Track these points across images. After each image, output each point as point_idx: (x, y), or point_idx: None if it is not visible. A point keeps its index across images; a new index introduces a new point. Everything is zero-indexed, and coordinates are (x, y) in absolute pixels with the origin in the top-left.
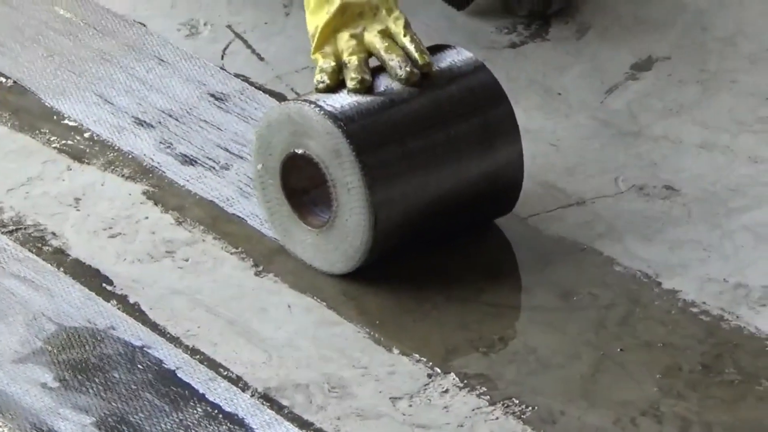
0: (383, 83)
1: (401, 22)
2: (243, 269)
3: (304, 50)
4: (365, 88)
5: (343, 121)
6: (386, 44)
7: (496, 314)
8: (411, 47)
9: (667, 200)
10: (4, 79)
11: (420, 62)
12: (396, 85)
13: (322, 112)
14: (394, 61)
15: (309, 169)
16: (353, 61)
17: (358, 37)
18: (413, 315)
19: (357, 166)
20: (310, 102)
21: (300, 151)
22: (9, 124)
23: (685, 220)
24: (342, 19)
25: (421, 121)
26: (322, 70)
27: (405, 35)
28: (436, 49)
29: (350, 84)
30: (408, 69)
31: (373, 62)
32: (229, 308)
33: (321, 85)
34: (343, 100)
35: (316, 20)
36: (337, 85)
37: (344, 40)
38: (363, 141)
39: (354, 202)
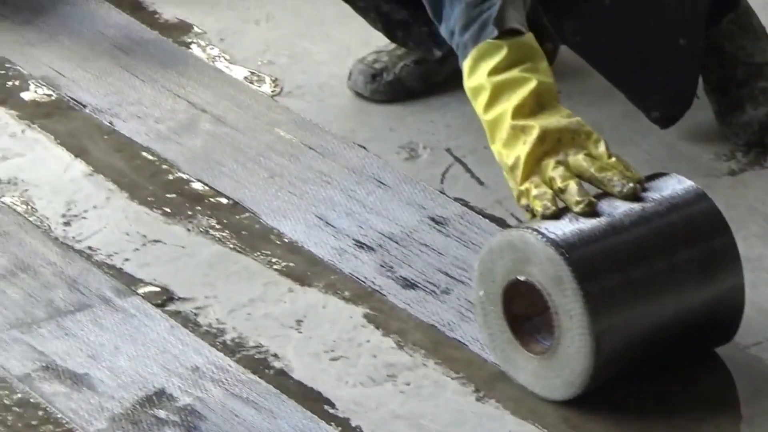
0: (604, 209)
1: (602, 144)
2: (464, 394)
3: None
4: (593, 210)
5: (566, 248)
6: (597, 165)
7: None
8: (620, 166)
9: None
10: (225, 200)
11: (633, 178)
12: (616, 212)
13: (544, 239)
14: (612, 180)
15: (531, 296)
16: (571, 185)
17: (565, 163)
18: None
19: (579, 294)
20: (533, 229)
21: (522, 278)
22: (231, 245)
23: None
24: (543, 147)
25: (643, 249)
26: (540, 198)
27: (610, 156)
28: (657, 177)
29: (577, 208)
30: (630, 185)
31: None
32: None
33: (548, 212)
34: (564, 227)
35: (514, 151)
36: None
37: (551, 168)
38: (585, 269)
39: (576, 329)
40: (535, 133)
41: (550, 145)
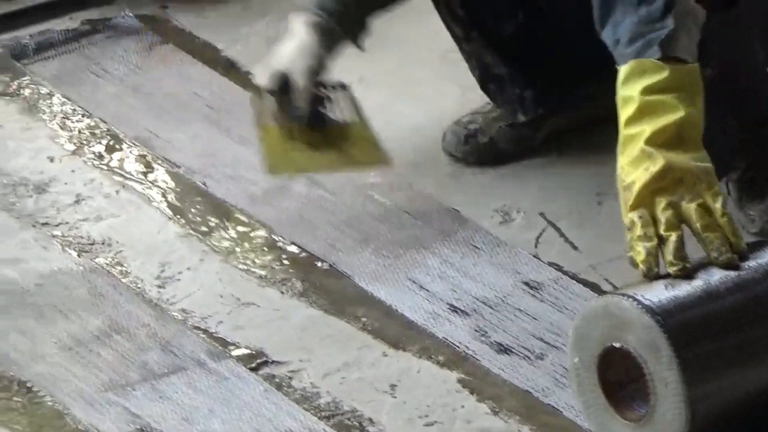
0: (700, 274)
1: (720, 200)
2: None
3: (617, 239)
4: (686, 275)
5: (662, 315)
6: (705, 222)
7: None
8: (728, 228)
9: None
10: (319, 263)
11: (735, 246)
12: (712, 279)
13: (640, 306)
14: (713, 243)
15: (626, 363)
16: (672, 239)
17: (676, 207)
18: None
19: (675, 361)
20: (628, 296)
21: (617, 345)
22: (325, 308)
23: None
24: (661, 183)
25: (739, 316)
26: (643, 242)
27: (723, 215)
28: (758, 246)
29: (671, 269)
30: (728, 254)
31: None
32: None
33: (651, 273)
34: (660, 294)
35: (634, 173)
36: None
37: (662, 208)
38: (681, 336)
39: (672, 396)
40: (658, 166)
41: (669, 182)
